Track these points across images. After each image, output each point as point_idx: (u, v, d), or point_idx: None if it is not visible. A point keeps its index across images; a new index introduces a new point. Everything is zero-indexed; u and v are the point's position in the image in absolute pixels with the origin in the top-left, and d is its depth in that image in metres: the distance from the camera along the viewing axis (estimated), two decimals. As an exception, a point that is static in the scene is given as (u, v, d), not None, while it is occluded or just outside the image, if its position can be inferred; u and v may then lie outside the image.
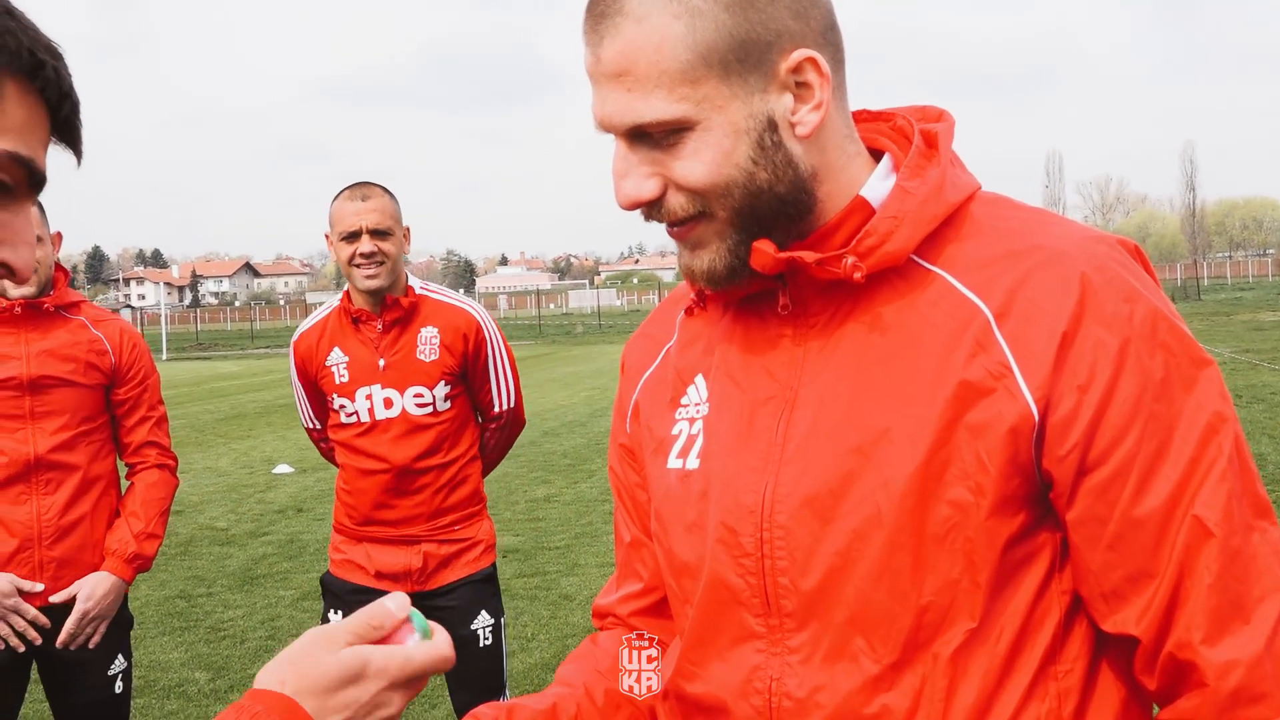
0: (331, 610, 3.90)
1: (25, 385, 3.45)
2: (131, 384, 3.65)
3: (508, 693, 3.98)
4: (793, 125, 1.26)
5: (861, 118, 1.42)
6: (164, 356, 44.89)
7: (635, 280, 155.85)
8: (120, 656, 3.64)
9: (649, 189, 1.28)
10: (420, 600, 3.79)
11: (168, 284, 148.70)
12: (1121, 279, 1.23)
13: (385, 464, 3.76)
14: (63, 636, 3.42)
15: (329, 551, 4.01)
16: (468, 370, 3.86)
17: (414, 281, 3.86)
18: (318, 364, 3.84)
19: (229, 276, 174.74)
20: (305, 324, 3.96)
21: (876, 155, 1.38)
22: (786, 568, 1.29)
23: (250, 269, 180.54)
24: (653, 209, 1.30)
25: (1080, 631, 1.27)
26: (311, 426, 4.04)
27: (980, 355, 1.22)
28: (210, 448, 16.23)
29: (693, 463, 1.39)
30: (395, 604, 1.19)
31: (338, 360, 3.81)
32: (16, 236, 1.11)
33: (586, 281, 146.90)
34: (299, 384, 3.95)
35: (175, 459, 3.77)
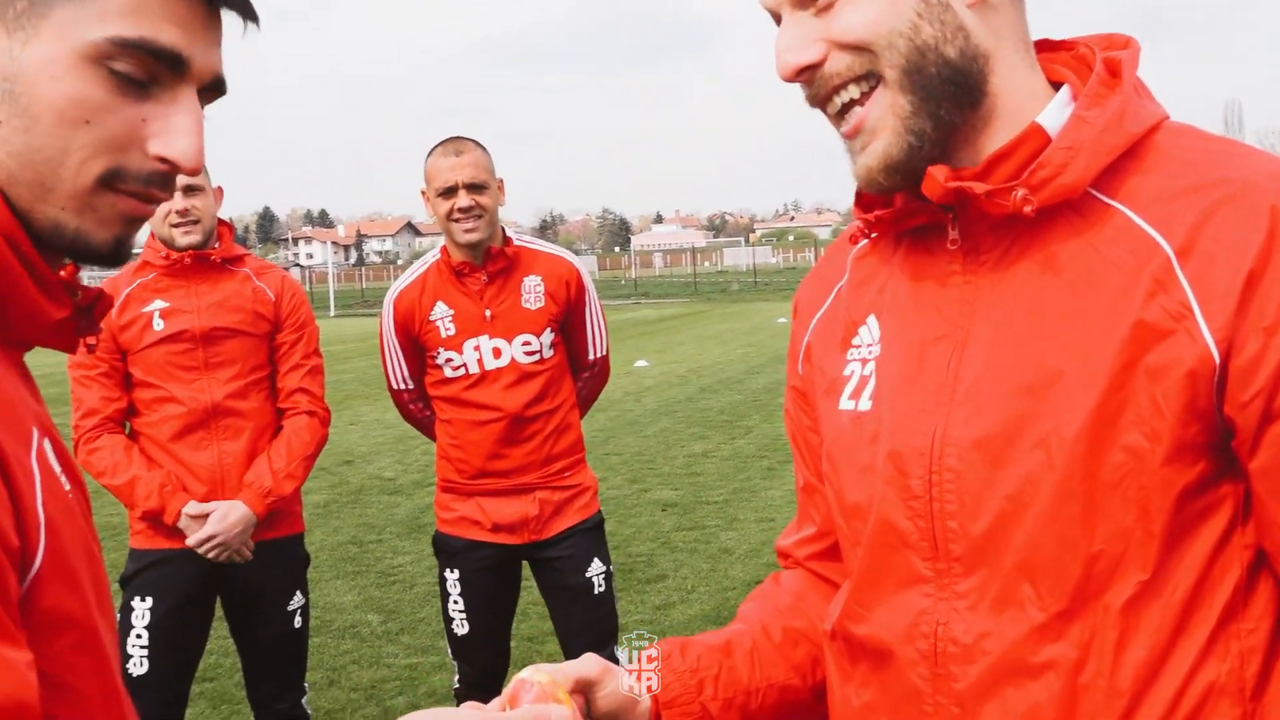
0: (447, 569, 3.93)
1: (198, 338, 3.60)
2: (289, 330, 3.76)
3: (620, 640, 4.00)
4: None
5: (1042, 48, 1.36)
6: (331, 313, 46.28)
7: (791, 238, 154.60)
8: (298, 593, 3.80)
9: (811, 53, 1.24)
10: (535, 550, 3.86)
11: (334, 243, 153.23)
12: None
13: (498, 413, 3.79)
14: (191, 540, 3.54)
15: (436, 511, 4.04)
16: (568, 318, 3.91)
17: (510, 234, 3.90)
18: (421, 319, 3.85)
19: (392, 236, 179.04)
20: (402, 282, 3.98)
21: (1058, 88, 1.31)
22: (955, 511, 1.25)
23: (412, 228, 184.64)
24: (816, 84, 1.26)
25: (1266, 589, 1.20)
26: (401, 387, 4.01)
27: (1160, 295, 1.16)
28: (378, 400, 16.70)
29: (865, 404, 1.36)
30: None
31: (443, 314, 3.83)
32: (171, 127, 1.06)
33: (741, 239, 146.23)
34: (396, 341, 3.92)
35: (326, 410, 3.84)
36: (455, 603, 3.91)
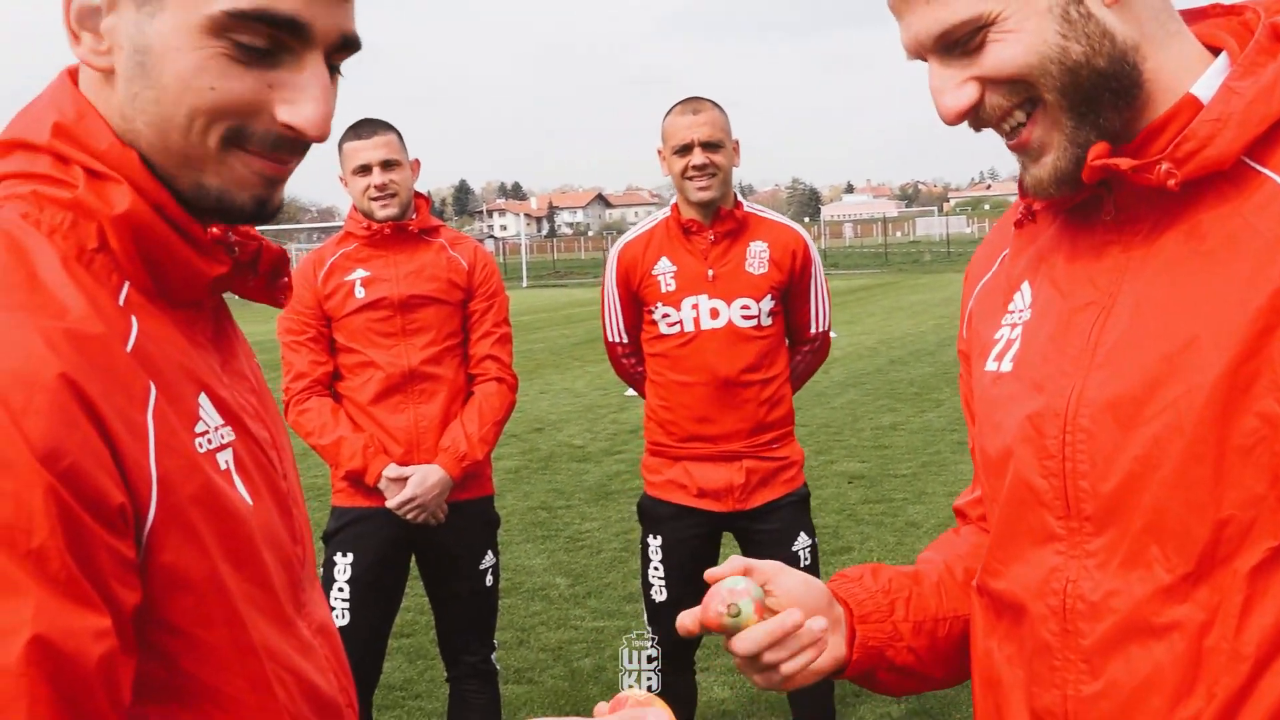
0: (650, 535, 3.96)
1: (396, 305, 3.75)
2: (481, 298, 3.87)
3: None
4: None
5: (1210, 13, 1.35)
6: (524, 284, 47.24)
7: (986, 207, 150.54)
8: (490, 553, 3.92)
9: (967, 94, 1.27)
10: (739, 521, 3.86)
11: (527, 215, 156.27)
12: None
13: (708, 374, 3.78)
14: (391, 503, 3.69)
15: (643, 475, 4.07)
16: (791, 288, 3.89)
17: (741, 200, 3.90)
18: (643, 272, 3.87)
19: (582, 207, 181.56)
20: (630, 234, 4.03)
21: (1215, 50, 1.30)
22: (1087, 471, 1.28)
23: (602, 200, 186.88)
24: (980, 117, 1.29)
25: None
26: (617, 340, 4.04)
27: None
28: (567, 370, 17.03)
29: (1006, 366, 1.40)
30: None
31: (665, 270, 3.85)
32: (297, 94, 1.09)
33: (935, 209, 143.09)
34: (616, 293, 3.96)
35: (514, 377, 3.93)
36: (655, 569, 3.95)
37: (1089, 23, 1.23)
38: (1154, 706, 1.24)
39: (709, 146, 3.73)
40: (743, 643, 1.41)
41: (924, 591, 1.52)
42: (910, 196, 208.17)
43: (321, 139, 1.12)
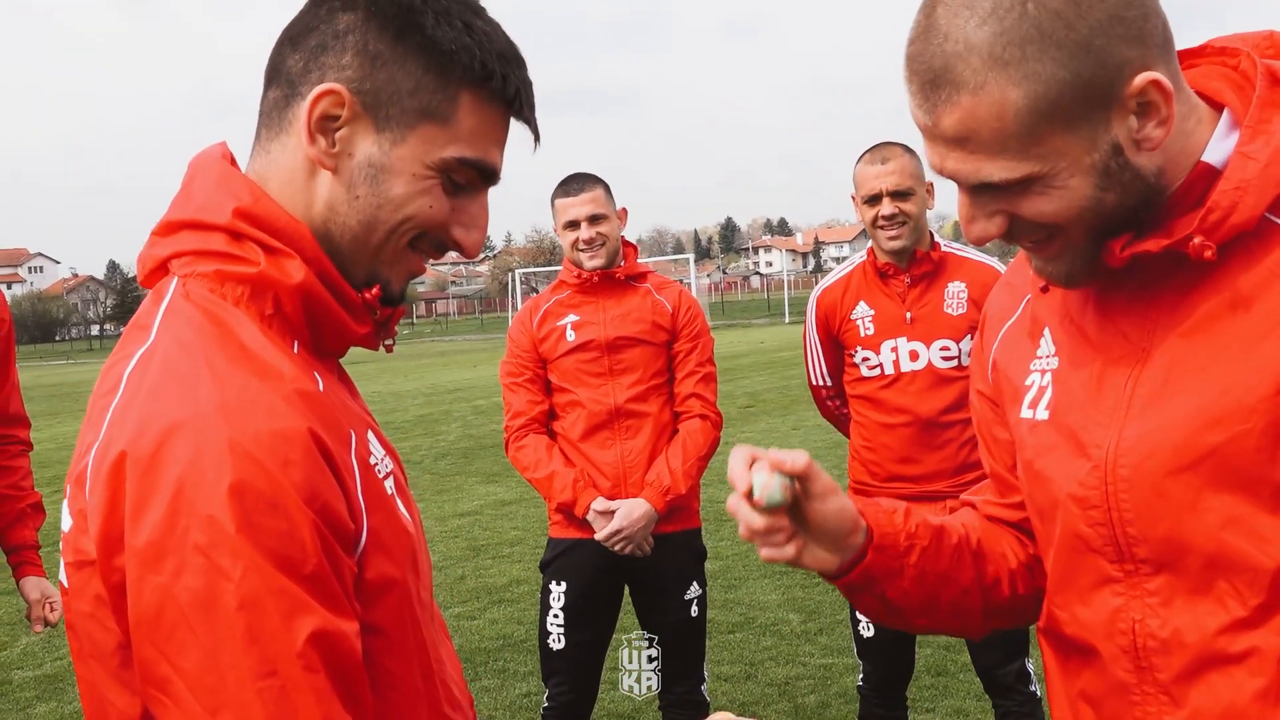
0: None
1: (604, 346, 3.98)
2: (685, 339, 4.05)
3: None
4: (1138, 143, 1.28)
5: (1204, 52, 1.38)
6: (785, 320, 47.22)
7: None
8: (695, 584, 4.06)
9: (997, 225, 1.34)
10: None
11: (792, 250, 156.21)
12: None
13: (910, 416, 3.84)
14: (600, 535, 3.86)
15: None
16: None
17: (939, 239, 3.92)
18: (841, 317, 3.96)
19: (849, 241, 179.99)
20: (827, 281, 4.12)
21: (1216, 104, 1.34)
22: (1134, 519, 1.33)
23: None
24: (1004, 235, 1.36)
25: None
26: (820, 383, 4.15)
27: None
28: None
29: (1042, 414, 1.45)
30: None
31: (864, 314, 3.92)
32: (472, 220, 1.34)
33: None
34: (817, 338, 4.07)
35: (718, 414, 4.08)
36: None
37: (1125, 172, 1.28)
38: None
39: (897, 195, 3.79)
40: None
41: (942, 548, 1.57)
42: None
43: (473, 257, 1.40)
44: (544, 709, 4.04)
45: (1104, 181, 1.27)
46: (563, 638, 3.97)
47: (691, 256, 73.63)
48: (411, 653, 1.29)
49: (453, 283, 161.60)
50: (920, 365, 3.84)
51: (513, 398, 4.08)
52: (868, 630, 4.00)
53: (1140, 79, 1.24)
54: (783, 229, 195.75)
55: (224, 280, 1.26)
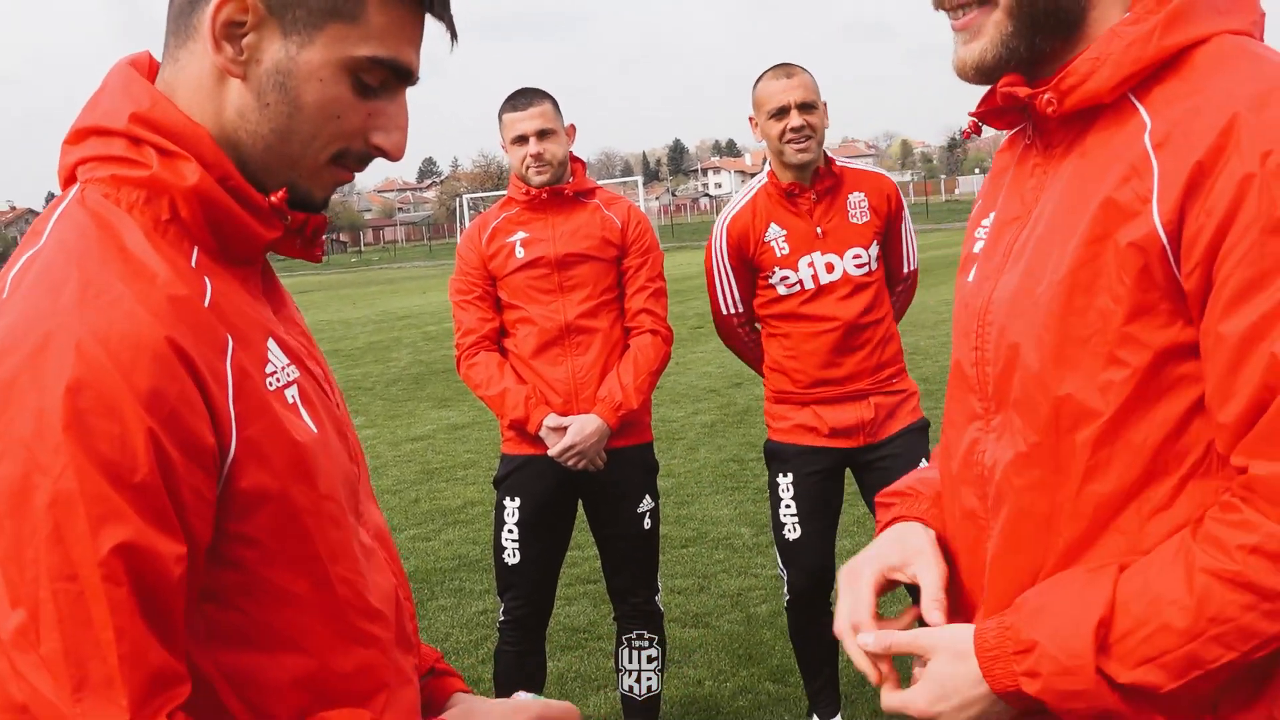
0: (780, 474, 4.17)
1: (554, 263, 3.98)
2: (635, 254, 4.06)
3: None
4: None
5: None
6: (735, 241, 47.12)
7: None
8: (648, 497, 4.13)
9: None
10: (866, 454, 4.09)
11: (740, 171, 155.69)
12: (1272, 118, 1.27)
13: (835, 322, 4.02)
14: (552, 451, 3.91)
15: (767, 421, 4.27)
16: (888, 232, 4.16)
17: (832, 156, 4.10)
18: (755, 241, 4.07)
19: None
20: (731, 209, 4.19)
21: None
22: (991, 359, 1.50)
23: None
24: None
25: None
26: (730, 312, 4.22)
27: (1133, 180, 1.34)
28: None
29: (970, 277, 1.59)
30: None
31: (776, 235, 4.06)
32: (390, 123, 1.32)
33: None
34: (729, 266, 4.14)
35: (668, 329, 4.11)
36: (787, 507, 4.16)
37: None
38: (1024, 559, 1.46)
39: (805, 108, 3.93)
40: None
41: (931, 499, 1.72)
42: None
43: (398, 160, 1.35)
44: (500, 623, 4.09)
45: None
46: (517, 552, 4.01)
47: (640, 179, 73.28)
48: (298, 563, 1.26)
49: (400, 209, 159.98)
50: (837, 276, 4.04)
51: (463, 315, 4.08)
52: (793, 533, 4.18)
53: None
54: (731, 150, 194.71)
55: (119, 185, 1.24)
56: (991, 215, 1.60)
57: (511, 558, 4.02)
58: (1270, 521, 1.26)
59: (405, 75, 1.31)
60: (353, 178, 1.37)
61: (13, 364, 1.11)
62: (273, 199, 1.30)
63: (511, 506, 4.04)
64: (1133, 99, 1.39)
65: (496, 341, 4.08)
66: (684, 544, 6.91)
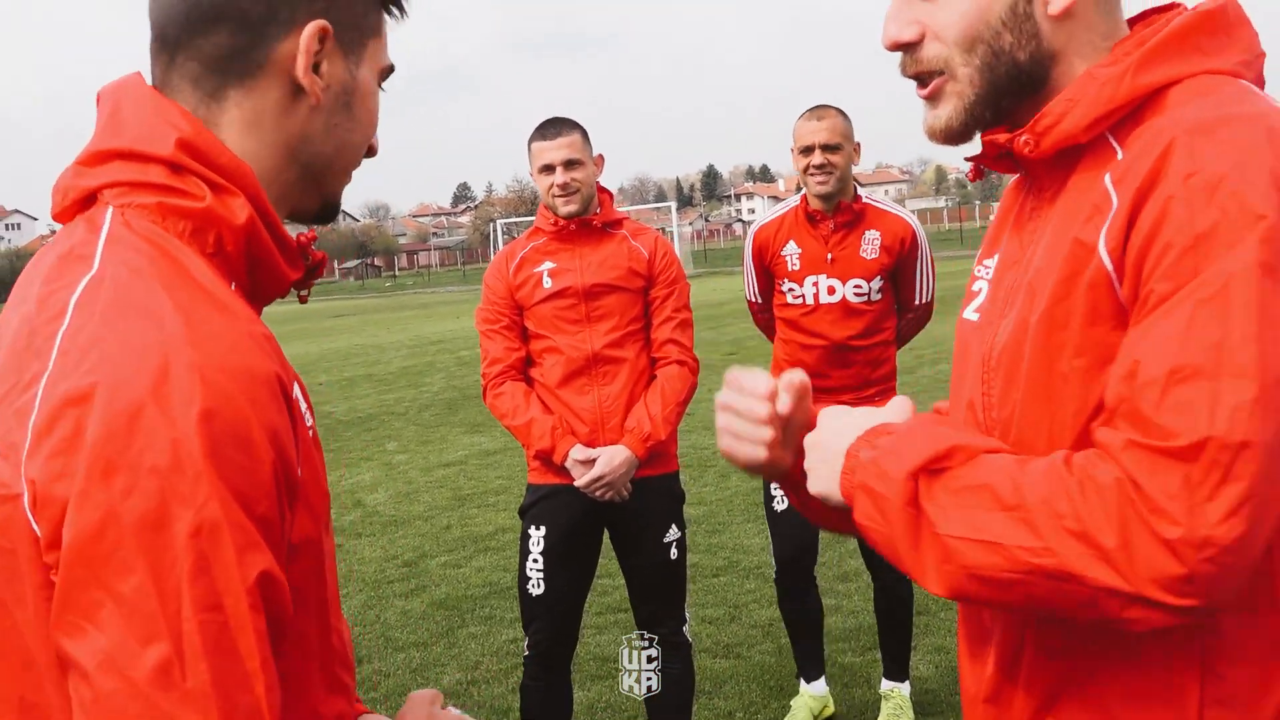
0: None
1: (581, 293, 3.99)
2: (661, 285, 4.07)
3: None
4: (1046, 2, 1.42)
5: (1150, 11, 1.49)
6: (769, 267, 47.15)
7: None
8: (674, 527, 4.10)
9: (909, 32, 1.47)
10: None
11: (774, 197, 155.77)
12: (1210, 147, 1.26)
13: (824, 340, 4.55)
14: (580, 482, 3.92)
15: None
16: (899, 268, 4.60)
17: (861, 192, 4.60)
18: (773, 253, 4.66)
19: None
20: (764, 218, 4.82)
21: None
22: (997, 404, 1.50)
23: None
24: (910, 58, 1.48)
25: None
26: (754, 300, 4.86)
27: (1095, 217, 1.35)
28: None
29: (973, 315, 1.60)
30: None
31: (792, 251, 4.62)
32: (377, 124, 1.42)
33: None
34: (752, 266, 4.78)
35: (695, 360, 4.13)
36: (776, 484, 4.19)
37: (1028, 21, 1.43)
38: None
39: (828, 149, 4.45)
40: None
41: None
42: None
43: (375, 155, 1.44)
44: (525, 655, 4.07)
45: (1009, 17, 1.42)
46: (542, 583, 3.99)
47: (674, 204, 73.37)
48: (313, 611, 1.26)
49: (434, 234, 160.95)
50: (835, 299, 4.55)
51: (489, 344, 4.08)
52: (781, 504, 4.63)
53: None
54: (765, 175, 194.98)
55: (166, 214, 1.21)
56: (996, 256, 1.60)
57: (536, 588, 4.00)
58: (1103, 463, 1.26)
59: (386, 74, 1.41)
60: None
61: (135, 394, 1.06)
62: (301, 239, 1.32)
63: (537, 536, 4.01)
64: (1110, 139, 1.40)
65: (523, 371, 4.08)
66: (715, 573, 6.86)
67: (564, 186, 3.94)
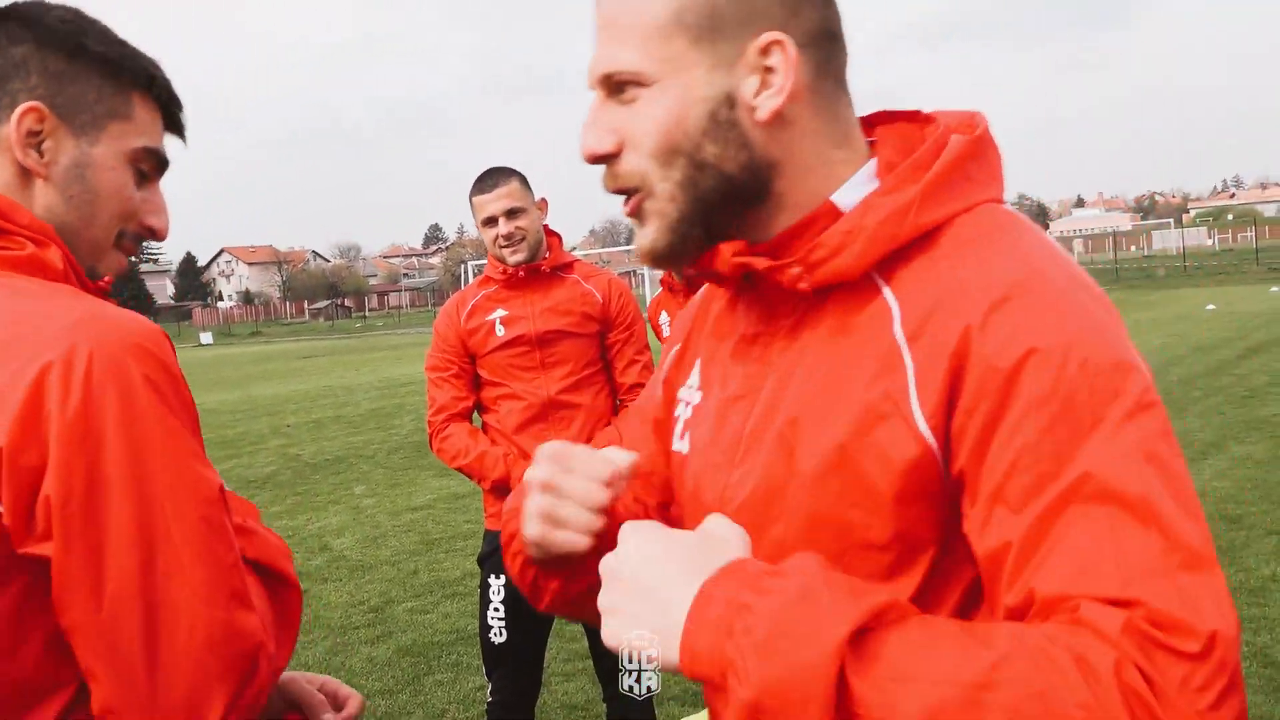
0: None
1: (534, 340, 3.99)
2: (619, 329, 4.09)
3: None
4: (752, 109, 1.25)
5: (897, 118, 1.36)
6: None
7: (1230, 217, 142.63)
8: None
9: (606, 143, 1.29)
10: None
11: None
12: (1032, 308, 1.13)
13: None
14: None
15: None
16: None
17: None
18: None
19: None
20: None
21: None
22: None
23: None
24: (613, 173, 1.31)
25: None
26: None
27: (885, 377, 1.18)
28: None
29: (684, 447, 1.44)
30: None
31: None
32: (158, 207, 1.57)
33: (1172, 220, 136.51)
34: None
35: None
36: None
37: (732, 130, 1.25)
38: None
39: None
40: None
41: None
42: (1146, 209, 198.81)
43: (165, 239, 1.61)
44: (488, 704, 4.04)
45: (709, 126, 1.24)
46: (504, 631, 3.98)
47: (646, 246, 73.14)
48: None
49: (405, 274, 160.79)
50: None
51: (437, 392, 4.08)
52: (499, 637, 4.05)
53: (767, 36, 1.23)
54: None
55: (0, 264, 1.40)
56: (696, 376, 1.46)
57: (498, 636, 3.98)
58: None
59: (164, 163, 1.56)
60: (126, 265, 1.57)
61: (83, 365, 1.29)
62: (101, 284, 1.51)
63: (496, 585, 4.00)
64: (875, 277, 1.24)
65: (469, 419, 4.09)
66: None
67: (508, 237, 3.95)
